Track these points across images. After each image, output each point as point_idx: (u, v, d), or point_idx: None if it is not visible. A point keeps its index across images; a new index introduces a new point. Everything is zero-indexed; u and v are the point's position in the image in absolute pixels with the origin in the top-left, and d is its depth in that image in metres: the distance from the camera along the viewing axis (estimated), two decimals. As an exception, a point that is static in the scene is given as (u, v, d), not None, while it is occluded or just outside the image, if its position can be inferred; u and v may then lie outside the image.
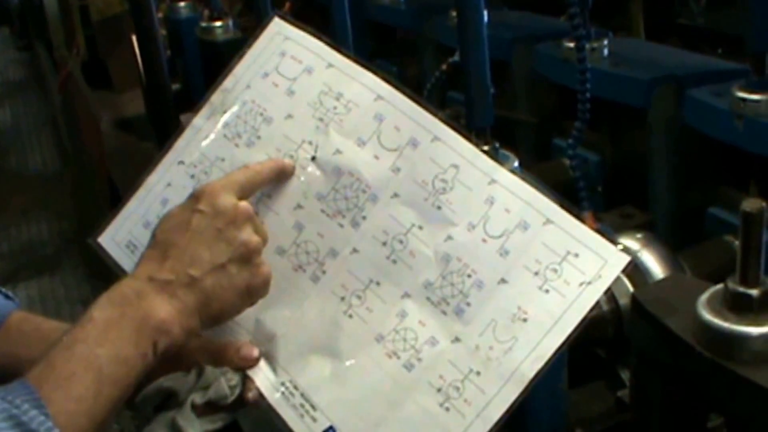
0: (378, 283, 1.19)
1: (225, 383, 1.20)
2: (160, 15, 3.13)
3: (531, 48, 2.32)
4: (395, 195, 1.19)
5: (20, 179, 6.27)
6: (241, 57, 1.34)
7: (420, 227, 1.18)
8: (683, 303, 1.12)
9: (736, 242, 1.67)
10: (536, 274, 1.10)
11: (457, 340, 1.13)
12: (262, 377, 1.21)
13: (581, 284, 1.07)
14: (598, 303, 1.06)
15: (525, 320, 1.09)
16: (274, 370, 1.22)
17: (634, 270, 1.56)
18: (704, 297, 1.09)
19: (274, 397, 1.20)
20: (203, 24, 3.09)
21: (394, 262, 1.19)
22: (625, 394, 1.48)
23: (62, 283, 4.63)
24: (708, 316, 1.06)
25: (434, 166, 1.19)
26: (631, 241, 1.61)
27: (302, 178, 1.25)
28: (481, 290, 1.13)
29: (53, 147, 6.68)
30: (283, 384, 1.21)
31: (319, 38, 1.31)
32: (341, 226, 1.22)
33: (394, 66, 2.94)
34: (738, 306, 1.05)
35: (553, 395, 1.40)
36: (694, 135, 1.82)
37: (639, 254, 1.57)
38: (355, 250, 1.21)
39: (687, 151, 1.90)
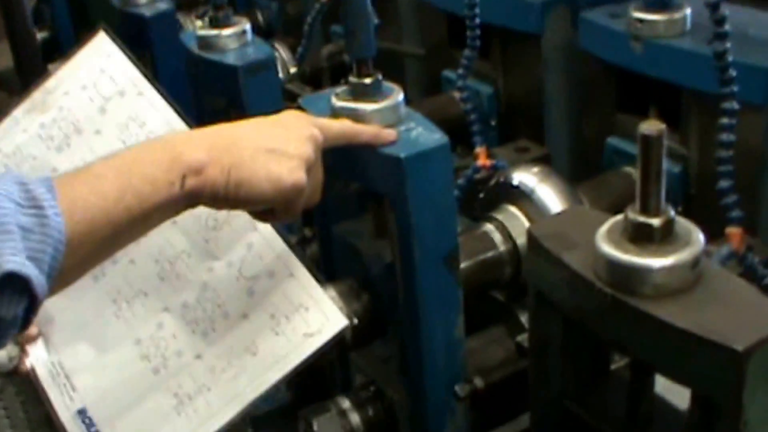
0: (146, 294, 1.38)
1: (6, 353, 1.37)
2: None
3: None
4: (174, 222, 1.25)
5: None
6: (65, 61, 1.49)
7: (189, 254, 1.36)
8: (582, 236, 1.06)
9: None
10: (272, 317, 1.27)
11: (199, 357, 1.32)
12: (37, 353, 1.43)
13: (304, 334, 1.25)
14: (322, 349, 1.24)
15: (255, 354, 1.28)
16: (47, 349, 1.43)
17: (530, 205, 1.51)
18: (603, 229, 1.03)
19: (42, 373, 1.42)
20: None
21: (162, 279, 1.37)
22: (524, 338, 1.44)
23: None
24: (607, 249, 0.99)
25: None
26: (527, 176, 1.54)
27: None
28: (226, 320, 1.31)
29: None
30: (52, 363, 1.42)
31: (136, 65, 1.46)
32: None
33: (273, 1, 2.86)
34: (639, 236, 0.99)
35: (449, 344, 1.36)
36: (590, 60, 1.81)
37: (535, 189, 1.51)
38: (132, 261, 1.39)
39: (583, 77, 1.89)
